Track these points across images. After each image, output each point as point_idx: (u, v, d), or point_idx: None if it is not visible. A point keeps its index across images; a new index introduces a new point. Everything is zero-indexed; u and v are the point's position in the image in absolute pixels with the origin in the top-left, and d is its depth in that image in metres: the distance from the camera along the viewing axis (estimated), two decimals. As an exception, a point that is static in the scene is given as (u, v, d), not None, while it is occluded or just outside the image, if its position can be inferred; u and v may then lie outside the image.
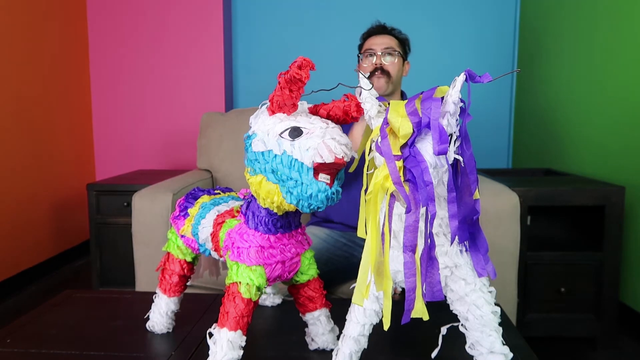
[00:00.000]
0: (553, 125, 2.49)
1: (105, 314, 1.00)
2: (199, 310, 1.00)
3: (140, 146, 2.94)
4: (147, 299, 0.96)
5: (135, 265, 1.65)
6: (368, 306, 0.69)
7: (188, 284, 0.90)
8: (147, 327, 0.91)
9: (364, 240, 1.37)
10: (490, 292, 0.66)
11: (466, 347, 0.67)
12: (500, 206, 1.41)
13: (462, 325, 0.67)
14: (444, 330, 0.69)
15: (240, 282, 0.72)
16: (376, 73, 1.45)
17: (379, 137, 0.59)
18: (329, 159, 0.61)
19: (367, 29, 1.56)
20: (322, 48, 2.94)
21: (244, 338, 0.72)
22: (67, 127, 2.73)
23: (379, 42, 1.48)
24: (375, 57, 1.46)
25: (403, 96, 1.55)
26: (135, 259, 1.64)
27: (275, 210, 0.69)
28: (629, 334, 1.85)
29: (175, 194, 1.66)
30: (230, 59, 2.99)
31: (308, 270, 0.80)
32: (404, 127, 0.56)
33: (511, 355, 0.66)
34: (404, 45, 1.53)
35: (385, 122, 0.59)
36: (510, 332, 0.89)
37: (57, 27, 2.64)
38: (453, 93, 0.54)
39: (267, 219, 0.73)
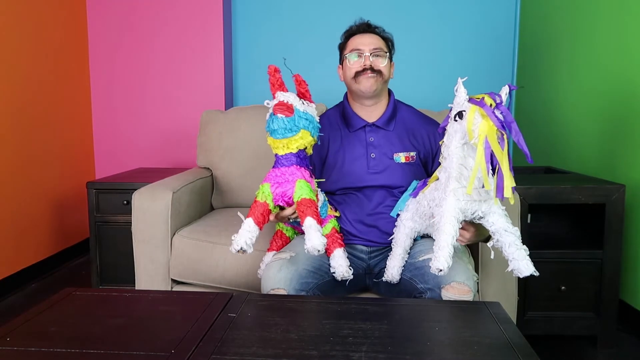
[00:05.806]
0: (553, 123, 2.48)
1: (105, 312, 1.00)
2: (199, 309, 1.00)
3: (140, 144, 2.94)
4: (147, 297, 0.96)
5: (135, 263, 1.65)
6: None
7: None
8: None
9: (362, 252, 1.39)
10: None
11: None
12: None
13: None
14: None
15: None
16: (366, 72, 1.36)
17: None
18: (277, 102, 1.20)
19: (349, 27, 1.47)
20: (322, 47, 2.93)
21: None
22: (66, 126, 2.73)
23: (367, 42, 1.39)
24: (363, 58, 1.38)
25: (391, 96, 1.47)
26: (135, 257, 1.64)
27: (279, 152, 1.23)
28: (629, 332, 1.85)
29: (174, 192, 1.66)
30: (230, 57, 2.98)
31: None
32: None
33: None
34: (390, 45, 1.45)
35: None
36: (511, 330, 0.89)
37: (57, 25, 2.64)
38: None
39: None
